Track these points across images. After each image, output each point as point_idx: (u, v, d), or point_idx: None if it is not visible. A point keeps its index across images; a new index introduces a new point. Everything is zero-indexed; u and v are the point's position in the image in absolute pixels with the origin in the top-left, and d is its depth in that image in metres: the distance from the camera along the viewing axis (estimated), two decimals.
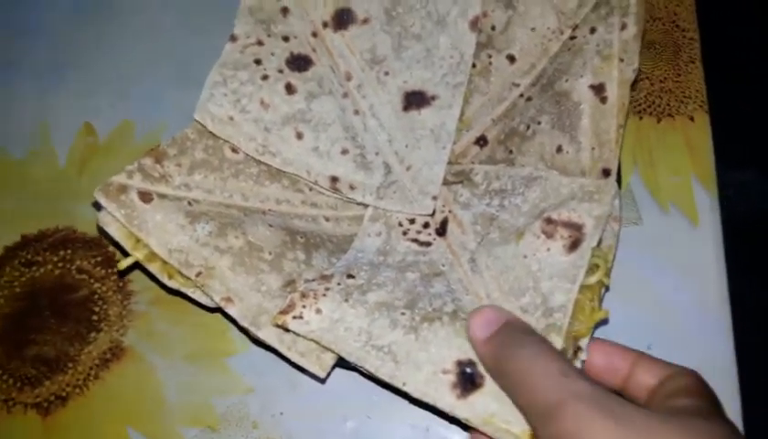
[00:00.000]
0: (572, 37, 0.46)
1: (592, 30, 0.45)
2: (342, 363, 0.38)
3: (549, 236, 0.37)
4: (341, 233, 0.45)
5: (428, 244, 0.42)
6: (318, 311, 0.37)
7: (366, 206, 0.45)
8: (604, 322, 0.39)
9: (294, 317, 0.37)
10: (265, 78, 0.45)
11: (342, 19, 0.47)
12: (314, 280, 0.39)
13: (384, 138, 0.46)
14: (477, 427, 0.33)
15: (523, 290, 0.37)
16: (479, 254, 0.40)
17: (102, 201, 0.38)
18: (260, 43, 0.46)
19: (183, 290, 0.39)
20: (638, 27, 0.44)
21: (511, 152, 0.45)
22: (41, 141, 0.52)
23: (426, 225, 0.43)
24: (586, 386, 0.29)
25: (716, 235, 0.48)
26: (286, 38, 0.47)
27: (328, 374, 0.38)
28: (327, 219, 0.45)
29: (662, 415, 0.29)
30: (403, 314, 0.37)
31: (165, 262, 0.38)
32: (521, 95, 0.47)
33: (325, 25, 0.48)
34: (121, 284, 0.47)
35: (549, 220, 0.38)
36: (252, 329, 0.37)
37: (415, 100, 0.46)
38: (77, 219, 0.49)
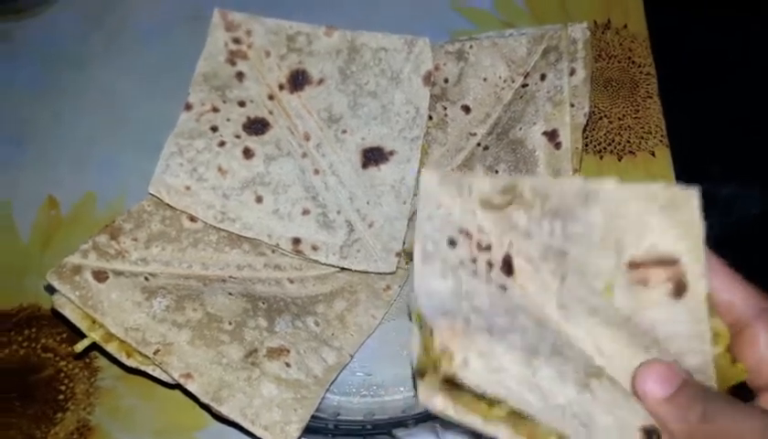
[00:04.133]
0: (524, 85, 0.47)
1: (543, 77, 0.46)
2: (310, 434, 0.37)
3: (645, 284, 0.31)
4: (306, 294, 0.45)
5: (504, 288, 0.33)
6: (481, 354, 0.28)
7: (332, 266, 0.45)
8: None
9: (464, 361, 0.28)
10: (222, 144, 0.45)
11: (297, 81, 0.48)
12: (435, 320, 0.30)
13: (345, 196, 0.46)
14: None
15: (645, 346, 0.31)
16: (567, 299, 0.32)
17: (56, 284, 0.38)
18: (215, 110, 0.46)
19: (142, 368, 0.39)
20: (587, 72, 0.45)
21: None
22: (3, 218, 0.52)
23: (489, 264, 0.34)
24: None
25: None
26: (242, 103, 0.47)
27: None
28: (292, 282, 0.45)
29: None
30: (563, 365, 0.30)
31: (122, 341, 0.38)
32: (478, 144, 0.47)
33: (281, 87, 0.48)
34: (87, 361, 0.47)
35: (634, 265, 0.31)
36: (214, 405, 0.37)
37: (374, 156, 0.46)
38: (41, 295, 0.49)
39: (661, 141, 0.53)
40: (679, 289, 0.30)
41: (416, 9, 0.57)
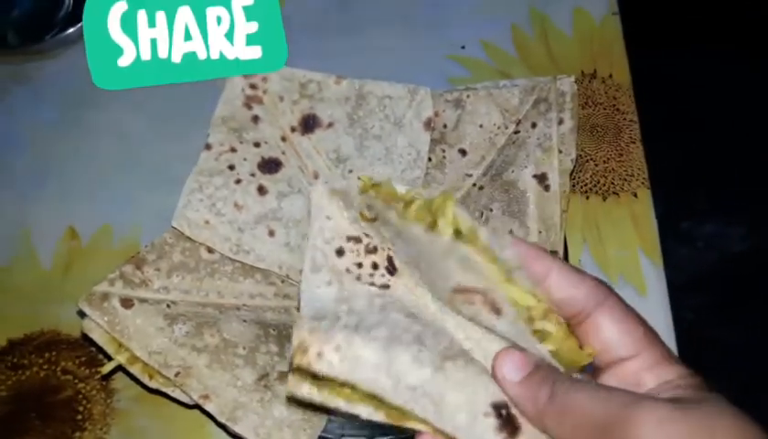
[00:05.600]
0: (516, 132, 0.51)
1: (533, 125, 0.50)
2: None
3: (472, 303, 0.35)
4: None
5: (386, 287, 0.37)
6: (337, 348, 0.32)
7: None
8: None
9: (319, 355, 0.32)
10: (238, 182, 0.49)
11: (308, 124, 0.52)
12: (299, 326, 0.34)
13: None
14: None
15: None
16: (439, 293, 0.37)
17: (87, 310, 0.41)
18: (233, 150, 0.50)
19: (163, 390, 0.42)
20: (574, 122, 0.49)
21: None
22: (24, 247, 0.55)
23: (375, 266, 0.38)
24: (643, 396, 0.30)
25: (663, 302, 0.51)
26: (257, 144, 0.51)
27: None
28: (299, 310, 0.48)
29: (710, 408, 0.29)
30: (420, 351, 0.33)
31: (145, 364, 0.41)
32: (474, 184, 0.51)
33: (293, 129, 0.52)
34: (104, 383, 0.49)
35: (458, 290, 0.36)
36: (229, 424, 0.40)
37: None
38: (61, 321, 0.52)
39: (643, 183, 0.57)
40: (496, 309, 0.35)
41: (417, 58, 0.61)
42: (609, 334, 0.33)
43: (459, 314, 0.35)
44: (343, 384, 0.32)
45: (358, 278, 0.37)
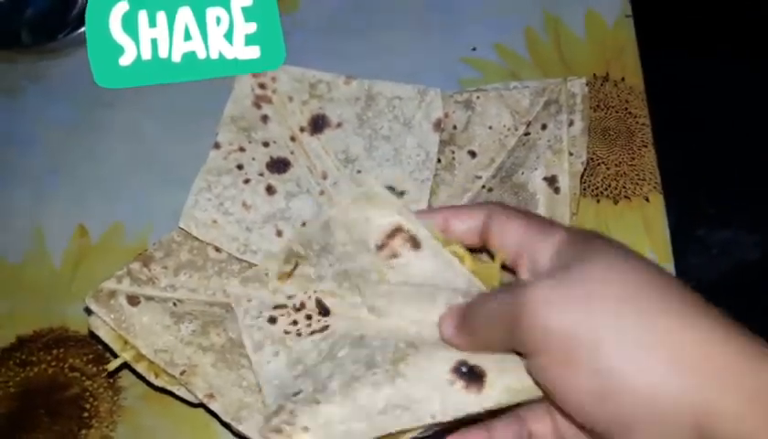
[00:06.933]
0: (526, 133, 0.50)
1: (544, 127, 0.49)
2: None
3: (396, 255, 0.40)
4: None
5: (326, 328, 0.40)
6: (305, 429, 0.34)
7: None
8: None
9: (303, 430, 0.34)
10: (247, 181, 0.49)
11: (317, 124, 0.52)
12: (266, 423, 0.36)
13: None
14: (509, 404, 0.35)
15: (434, 299, 0.38)
16: (370, 302, 0.39)
17: (93, 307, 0.41)
18: (241, 149, 0.50)
19: (169, 388, 0.42)
20: (585, 124, 0.49)
21: None
22: (36, 245, 0.56)
23: (309, 316, 0.41)
24: (527, 283, 0.32)
25: None
26: (266, 144, 0.51)
27: None
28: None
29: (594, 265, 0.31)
30: (375, 374, 0.35)
31: (151, 362, 0.41)
32: (483, 186, 0.51)
33: (302, 129, 0.52)
34: (111, 381, 0.49)
35: (380, 247, 0.40)
36: (234, 424, 0.39)
37: None
38: (69, 318, 0.52)
39: (655, 188, 0.56)
40: (415, 243, 0.39)
41: (428, 60, 0.61)
42: (498, 240, 0.37)
43: (393, 305, 0.38)
44: None
45: (299, 334, 0.40)
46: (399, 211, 0.41)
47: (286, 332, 0.40)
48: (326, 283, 0.41)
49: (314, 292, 0.41)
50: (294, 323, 0.40)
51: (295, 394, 0.36)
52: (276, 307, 0.41)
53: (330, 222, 0.42)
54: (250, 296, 0.42)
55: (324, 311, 0.41)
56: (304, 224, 0.47)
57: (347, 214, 0.42)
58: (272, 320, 0.41)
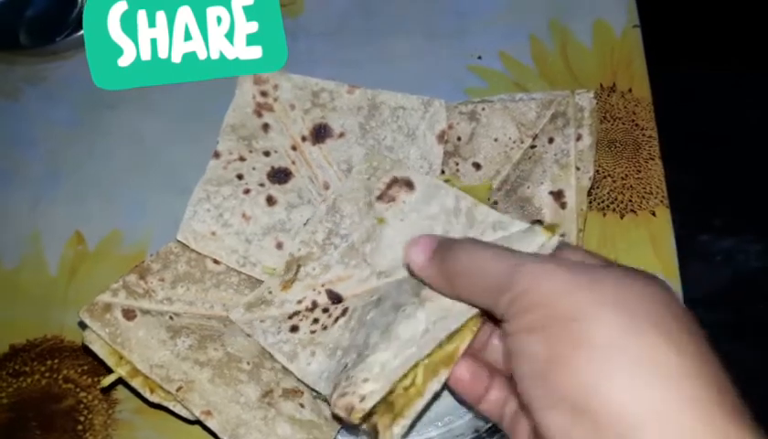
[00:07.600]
0: (533, 146, 0.49)
1: (551, 140, 0.48)
2: None
3: (394, 199, 0.43)
4: None
5: (345, 312, 0.42)
6: (365, 380, 0.35)
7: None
8: None
9: (362, 400, 0.34)
10: (247, 192, 0.48)
11: (320, 134, 0.51)
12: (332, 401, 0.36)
13: None
14: None
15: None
16: (378, 261, 0.42)
17: (88, 321, 0.40)
18: (242, 159, 0.49)
19: (164, 404, 0.41)
20: (593, 138, 0.48)
21: None
22: (33, 250, 0.55)
23: (326, 310, 0.43)
24: (533, 255, 0.32)
25: None
26: (267, 153, 0.50)
27: None
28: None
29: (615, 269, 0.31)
30: (404, 310, 0.37)
31: (147, 378, 0.40)
32: (488, 199, 0.50)
33: (303, 139, 0.51)
34: (106, 394, 0.48)
35: (379, 197, 0.43)
36: None
37: None
38: (64, 327, 0.51)
39: (662, 201, 0.55)
40: (409, 185, 0.43)
41: (433, 69, 0.60)
42: None
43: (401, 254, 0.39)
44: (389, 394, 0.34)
45: (324, 328, 0.42)
46: (391, 166, 0.45)
47: (312, 332, 0.42)
48: (333, 271, 0.43)
49: (322, 285, 0.43)
50: (315, 321, 0.42)
51: (345, 368, 0.37)
52: (291, 316, 0.43)
53: (336, 201, 0.45)
54: (261, 318, 0.43)
55: (336, 299, 0.43)
56: (306, 223, 0.47)
57: (352, 184, 0.46)
58: (294, 329, 0.42)
